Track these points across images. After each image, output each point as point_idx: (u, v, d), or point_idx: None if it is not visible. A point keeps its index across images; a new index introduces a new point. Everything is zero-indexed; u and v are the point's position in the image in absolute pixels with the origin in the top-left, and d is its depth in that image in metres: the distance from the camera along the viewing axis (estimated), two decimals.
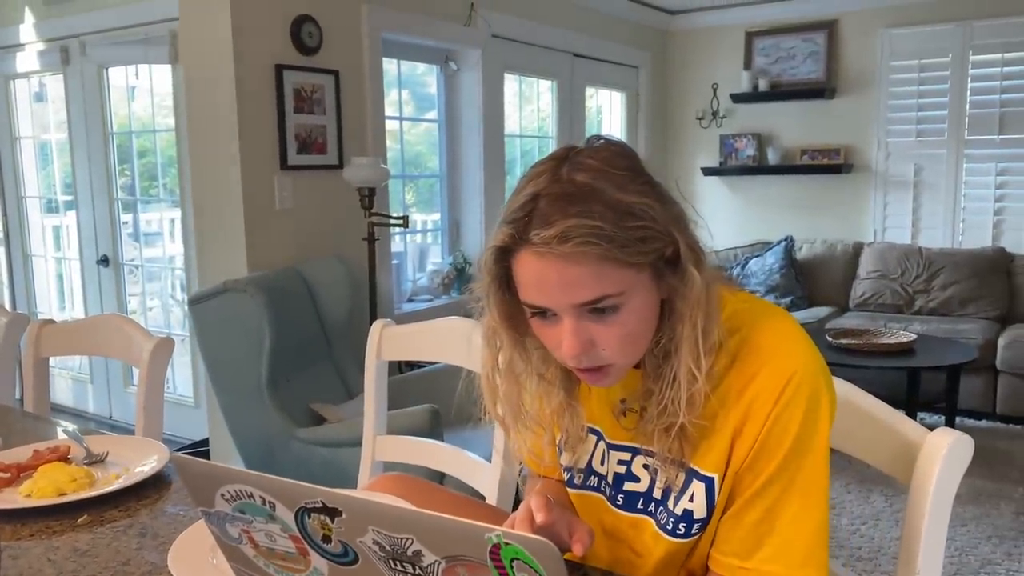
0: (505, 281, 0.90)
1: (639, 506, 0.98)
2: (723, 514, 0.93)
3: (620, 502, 1.00)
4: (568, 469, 1.06)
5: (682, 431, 0.89)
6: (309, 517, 0.60)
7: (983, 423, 3.99)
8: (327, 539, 0.61)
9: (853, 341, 3.77)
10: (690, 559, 0.98)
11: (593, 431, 1.03)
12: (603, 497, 1.02)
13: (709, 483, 0.92)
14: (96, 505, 1.13)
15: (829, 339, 3.84)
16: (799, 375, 0.88)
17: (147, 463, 1.25)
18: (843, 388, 1.09)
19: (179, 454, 0.66)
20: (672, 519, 0.94)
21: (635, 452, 0.98)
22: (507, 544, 0.53)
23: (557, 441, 1.05)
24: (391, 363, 1.82)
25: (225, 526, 0.68)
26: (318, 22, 3.18)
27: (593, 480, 1.03)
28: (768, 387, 0.88)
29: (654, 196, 0.86)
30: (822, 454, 0.90)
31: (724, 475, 0.92)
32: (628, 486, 0.99)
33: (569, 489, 1.07)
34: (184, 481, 0.67)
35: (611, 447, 1.01)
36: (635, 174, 0.87)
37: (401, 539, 0.57)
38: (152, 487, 1.19)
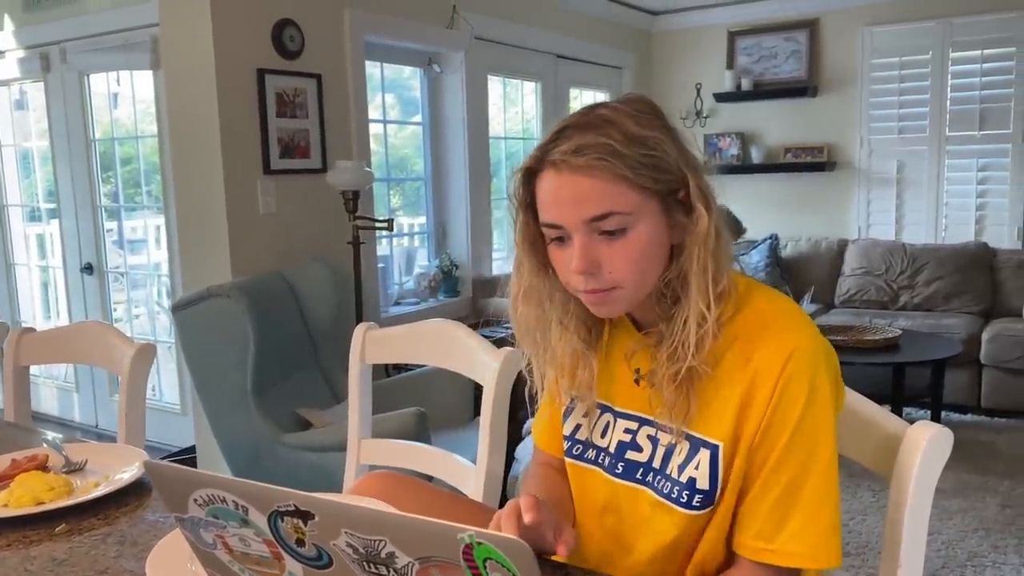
0: (531, 207, 0.97)
1: (638, 475, 1.00)
2: (736, 495, 0.94)
3: (620, 470, 1.02)
4: (568, 438, 1.08)
5: (690, 378, 0.92)
6: (282, 520, 0.60)
7: (968, 417, 4.02)
8: (301, 542, 0.61)
9: (839, 337, 3.79)
10: (699, 550, 0.98)
11: (600, 406, 1.05)
12: (600, 469, 1.04)
13: (714, 451, 0.93)
14: (74, 514, 1.12)
15: None
16: (800, 350, 0.91)
17: (127, 471, 1.24)
18: None
19: (152, 460, 0.65)
20: (677, 487, 0.95)
21: (643, 422, 1.01)
22: (480, 544, 0.53)
23: (564, 405, 1.09)
24: (380, 366, 1.81)
25: (199, 531, 0.67)
26: (300, 26, 3.17)
27: (591, 453, 1.05)
28: (770, 361, 0.91)
29: (670, 139, 0.93)
30: (831, 430, 0.93)
31: (733, 446, 0.93)
32: (630, 455, 1.01)
33: (567, 459, 1.09)
34: (157, 487, 0.67)
35: (619, 415, 1.03)
36: (655, 118, 0.94)
37: (374, 541, 0.57)
38: (132, 495, 1.18)
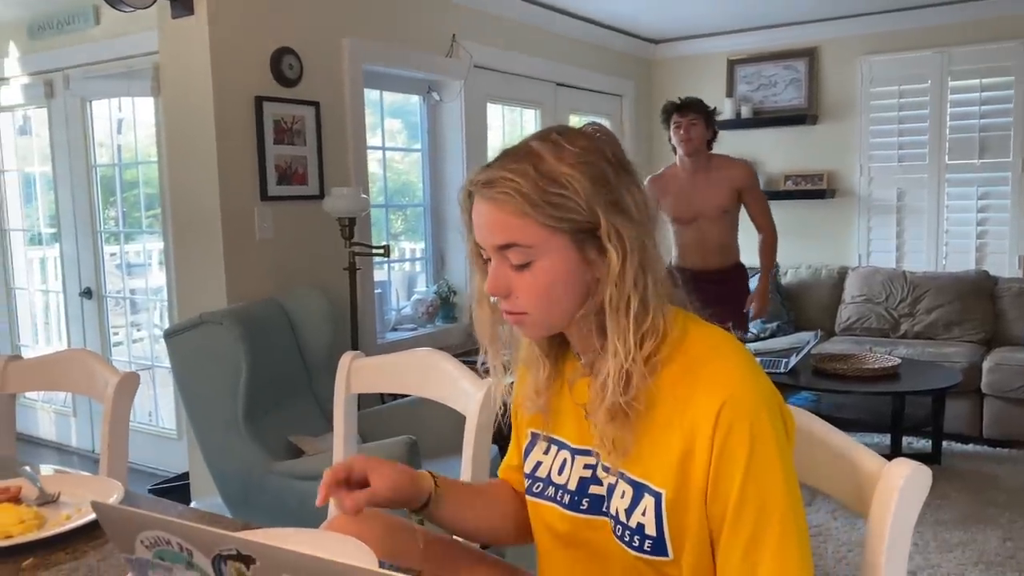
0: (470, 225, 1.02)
1: (603, 509, 1.01)
2: (707, 548, 0.93)
3: (585, 506, 1.02)
4: (529, 476, 1.10)
5: (624, 414, 0.93)
6: (225, 564, 0.59)
7: (970, 447, 3.97)
8: None
9: (838, 366, 3.76)
10: None
11: (555, 442, 1.07)
12: (556, 505, 1.05)
13: (658, 498, 0.93)
14: (44, 547, 1.10)
15: (814, 364, 3.84)
16: (731, 399, 0.90)
17: None
18: (803, 418, 1.08)
19: (98, 501, 0.64)
20: (628, 531, 0.96)
21: (599, 457, 1.01)
22: None
23: (523, 444, 1.11)
24: (376, 393, 1.80)
25: (148, 573, 0.66)
26: (299, 55, 3.19)
27: (550, 490, 1.06)
28: (705, 412, 0.90)
29: (589, 176, 0.93)
30: (783, 472, 0.91)
31: (680, 496, 0.92)
32: (593, 489, 1.02)
33: (527, 496, 1.11)
34: (105, 527, 0.66)
35: (576, 452, 1.04)
36: (585, 153, 0.94)
37: None
38: (102, 529, 1.17)
